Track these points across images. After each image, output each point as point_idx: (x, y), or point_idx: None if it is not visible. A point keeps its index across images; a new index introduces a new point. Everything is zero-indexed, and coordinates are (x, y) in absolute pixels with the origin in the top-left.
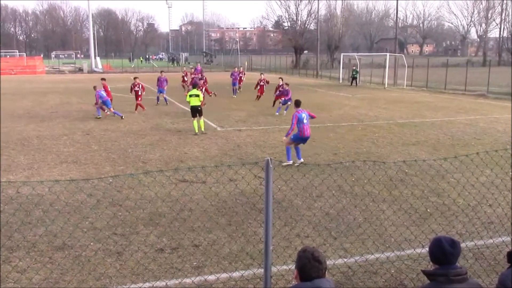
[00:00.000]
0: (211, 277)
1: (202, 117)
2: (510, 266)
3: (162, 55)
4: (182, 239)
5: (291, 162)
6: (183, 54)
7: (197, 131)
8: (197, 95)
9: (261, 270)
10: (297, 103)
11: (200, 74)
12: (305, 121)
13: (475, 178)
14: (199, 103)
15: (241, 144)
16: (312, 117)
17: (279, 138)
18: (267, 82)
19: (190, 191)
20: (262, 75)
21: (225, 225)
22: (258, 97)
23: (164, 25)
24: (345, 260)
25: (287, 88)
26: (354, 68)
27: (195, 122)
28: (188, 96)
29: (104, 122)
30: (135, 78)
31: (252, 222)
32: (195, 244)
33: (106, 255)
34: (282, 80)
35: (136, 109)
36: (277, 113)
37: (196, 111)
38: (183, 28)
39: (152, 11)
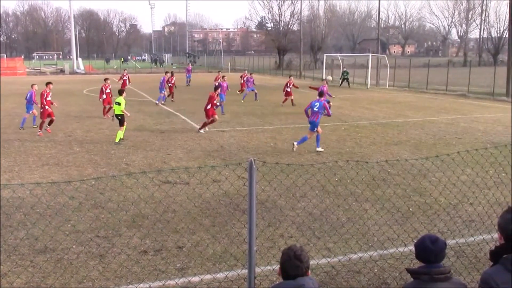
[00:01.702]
0: (195, 279)
1: (122, 127)
2: (493, 265)
3: (144, 56)
4: (166, 241)
5: (296, 145)
6: (166, 55)
7: (117, 140)
8: (119, 103)
9: (245, 271)
10: (320, 94)
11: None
12: (315, 109)
13: (456, 177)
14: (120, 112)
15: (224, 145)
16: (327, 112)
17: (262, 139)
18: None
19: (173, 193)
20: (291, 78)
21: (208, 226)
22: (286, 101)
23: (147, 26)
24: (329, 259)
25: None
26: (344, 69)
27: (124, 128)
28: (114, 104)
29: (87, 123)
30: (105, 79)
31: (235, 223)
32: (178, 246)
33: (88, 258)
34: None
35: (106, 114)
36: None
37: (118, 120)
38: (166, 29)
39: (134, 12)
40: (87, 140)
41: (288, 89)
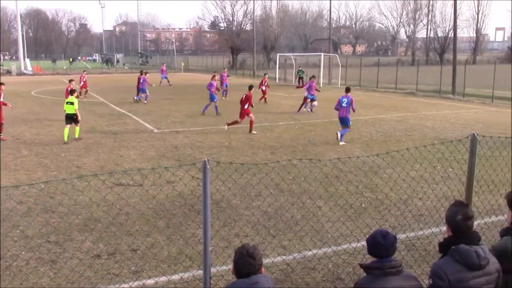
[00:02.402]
0: (150, 281)
1: (78, 124)
2: (442, 256)
3: (95, 56)
4: (119, 244)
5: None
6: (117, 55)
7: (66, 139)
8: (72, 103)
9: (201, 272)
10: (347, 89)
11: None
12: (344, 104)
13: (406, 173)
14: (73, 111)
15: (178, 145)
16: (352, 107)
17: (217, 139)
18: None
19: (126, 195)
20: (265, 75)
21: (163, 228)
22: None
23: (97, 26)
24: (284, 257)
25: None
26: (299, 68)
27: (66, 129)
28: (65, 104)
29: (35, 125)
30: (70, 80)
31: (190, 223)
32: (132, 249)
33: (39, 264)
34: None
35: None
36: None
37: (70, 119)
38: (117, 29)
39: (84, 11)
40: (36, 143)
41: (263, 88)
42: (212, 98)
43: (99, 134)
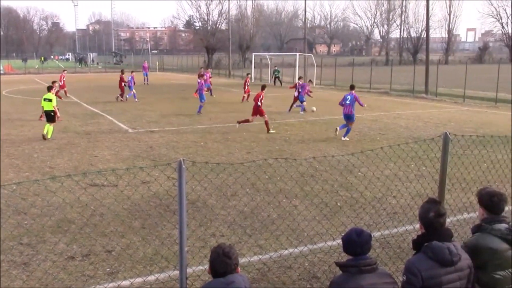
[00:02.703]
0: (125, 283)
1: (52, 124)
2: (415, 253)
3: (68, 55)
4: (94, 245)
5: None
6: (91, 54)
7: (49, 136)
8: (50, 100)
9: (177, 272)
10: (351, 87)
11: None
12: (347, 102)
13: (380, 172)
14: (52, 108)
15: (154, 145)
16: (359, 103)
17: (192, 139)
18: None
19: (100, 196)
20: (248, 75)
21: (138, 229)
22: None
23: (70, 24)
24: (260, 256)
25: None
26: (275, 68)
27: (47, 126)
28: (42, 100)
29: (6, 126)
30: (53, 82)
31: (166, 224)
32: (107, 250)
33: (11, 266)
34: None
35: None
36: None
37: (48, 116)
38: (91, 28)
39: (56, 10)
40: (7, 143)
41: (246, 87)
42: (201, 98)
43: (73, 134)
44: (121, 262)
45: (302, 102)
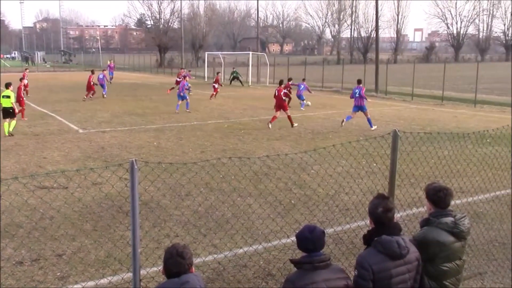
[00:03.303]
0: (77, 286)
1: (14, 119)
2: (366, 248)
3: (14, 54)
4: (43, 249)
5: (345, 121)
6: (38, 53)
7: (7, 134)
8: (8, 96)
9: (130, 274)
10: (358, 81)
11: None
12: (357, 95)
13: (333, 169)
14: (10, 105)
15: (105, 146)
16: (362, 96)
17: (145, 139)
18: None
19: (50, 198)
20: (218, 74)
21: (90, 231)
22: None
23: (16, 22)
24: (215, 256)
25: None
26: (234, 69)
27: (6, 124)
28: (1, 97)
29: None
30: (21, 79)
31: (118, 225)
32: (58, 254)
33: None
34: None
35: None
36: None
37: (7, 113)
38: (38, 26)
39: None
40: None
41: (216, 85)
42: (183, 97)
43: (20, 135)
44: (72, 265)
45: (302, 100)
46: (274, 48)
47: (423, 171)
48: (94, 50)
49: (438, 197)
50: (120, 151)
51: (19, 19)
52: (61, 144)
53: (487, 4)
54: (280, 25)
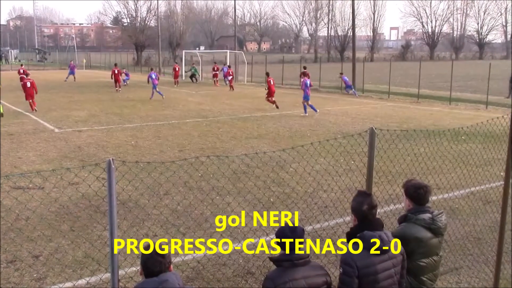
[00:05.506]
0: None
1: None
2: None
3: None
4: (19, 251)
5: (307, 114)
6: (12, 51)
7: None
8: None
9: (108, 275)
10: (305, 74)
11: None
12: (309, 85)
13: (311, 167)
14: None
15: (82, 145)
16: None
17: (123, 138)
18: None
19: (25, 198)
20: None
21: (67, 232)
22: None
23: None
24: (194, 255)
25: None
26: (193, 65)
27: None
28: None
29: None
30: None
31: (96, 225)
32: (34, 255)
33: None
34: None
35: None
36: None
37: None
38: (11, 23)
39: None
40: None
41: (229, 77)
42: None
43: None
44: (50, 267)
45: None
46: (252, 46)
47: (400, 168)
48: (70, 47)
49: (418, 194)
50: (97, 151)
51: None
52: (37, 144)
53: (461, 3)
54: (258, 23)
